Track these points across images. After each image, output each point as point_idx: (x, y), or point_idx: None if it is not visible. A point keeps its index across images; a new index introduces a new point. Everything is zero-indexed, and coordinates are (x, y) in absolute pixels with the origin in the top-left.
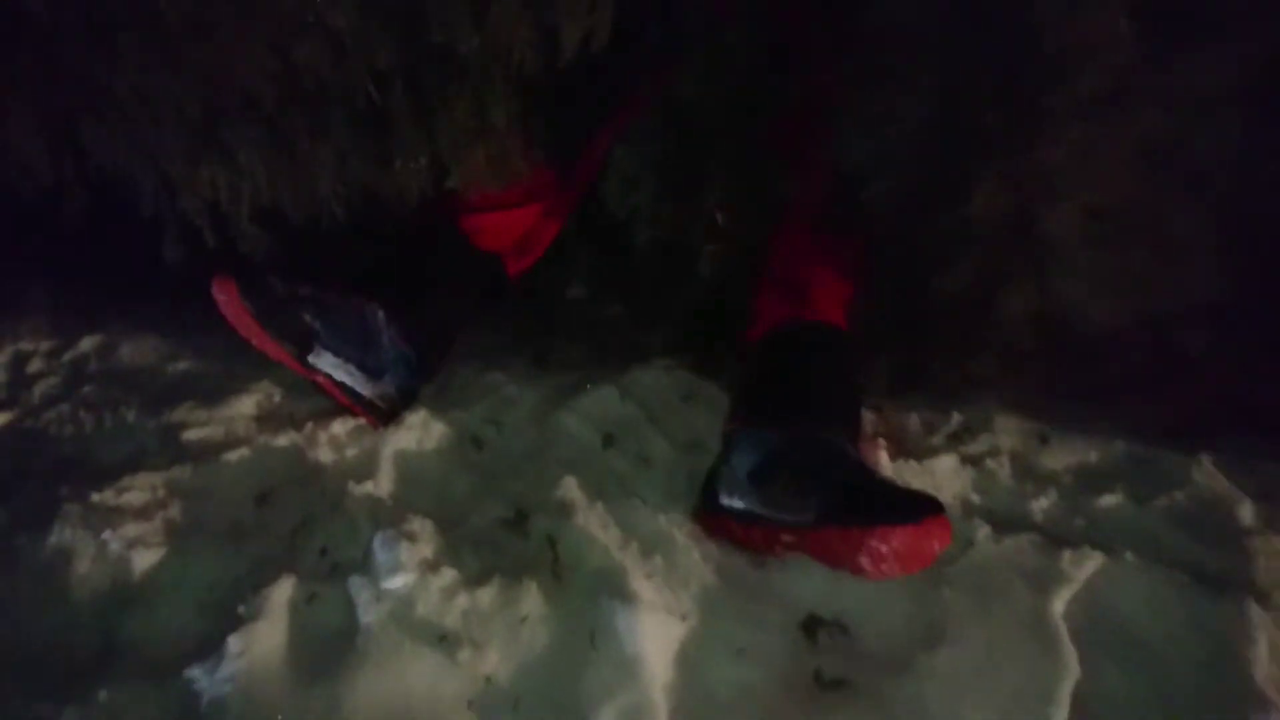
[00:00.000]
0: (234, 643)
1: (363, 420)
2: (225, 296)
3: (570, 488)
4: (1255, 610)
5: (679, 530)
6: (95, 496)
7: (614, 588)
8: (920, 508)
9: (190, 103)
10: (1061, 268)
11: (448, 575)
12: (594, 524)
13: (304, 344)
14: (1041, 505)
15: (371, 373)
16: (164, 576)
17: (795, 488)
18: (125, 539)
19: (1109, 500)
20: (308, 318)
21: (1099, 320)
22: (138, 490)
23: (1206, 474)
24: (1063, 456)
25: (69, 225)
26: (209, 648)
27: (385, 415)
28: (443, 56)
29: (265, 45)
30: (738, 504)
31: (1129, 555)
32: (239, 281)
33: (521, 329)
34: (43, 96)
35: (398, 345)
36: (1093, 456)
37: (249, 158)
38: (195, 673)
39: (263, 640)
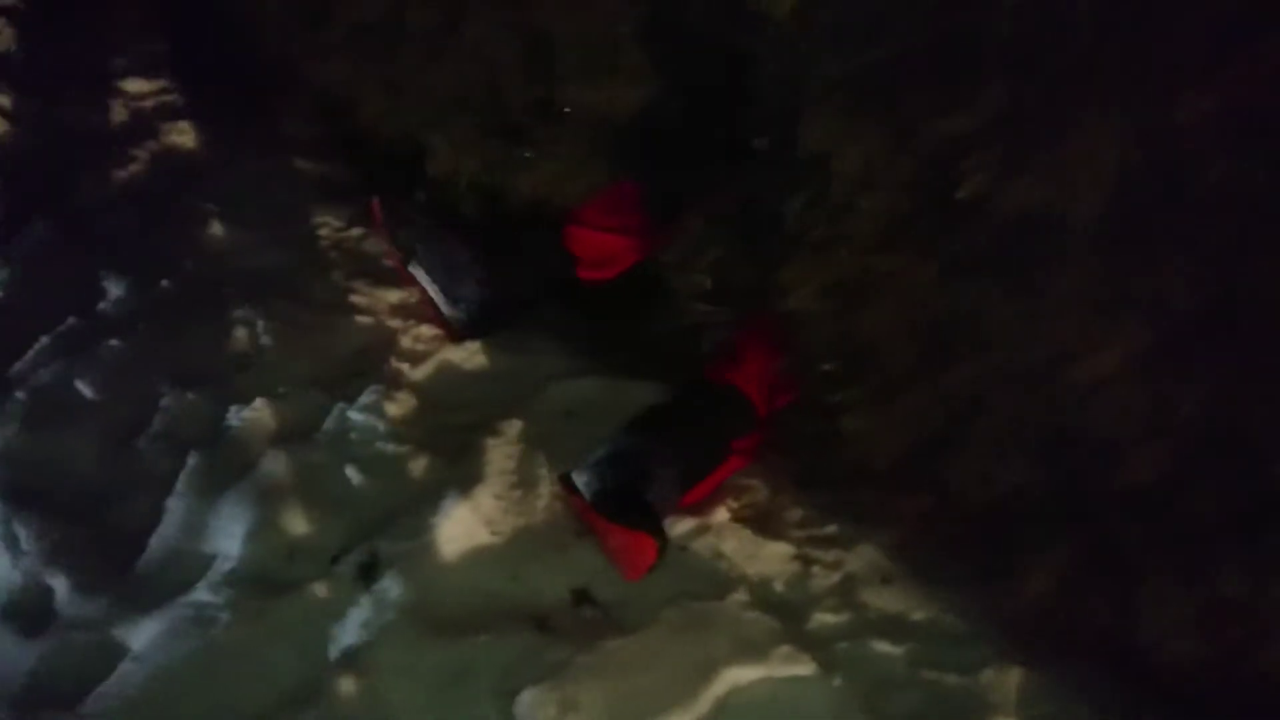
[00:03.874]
0: (259, 403)
1: (439, 332)
2: (374, 208)
3: (513, 425)
4: None
5: (546, 483)
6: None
7: (465, 487)
8: (643, 528)
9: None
10: None
11: (390, 424)
12: (498, 452)
13: (407, 256)
14: (823, 619)
15: (451, 300)
16: (271, 356)
17: (601, 477)
18: (269, 328)
19: (884, 647)
20: (414, 240)
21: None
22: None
23: (996, 674)
24: (889, 600)
25: None
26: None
27: (455, 334)
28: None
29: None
30: (575, 478)
31: (838, 680)
32: (384, 201)
33: (581, 333)
34: None
35: (472, 286)
36: (917, 615)
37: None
38: (230, 414)
39: (260, 412)
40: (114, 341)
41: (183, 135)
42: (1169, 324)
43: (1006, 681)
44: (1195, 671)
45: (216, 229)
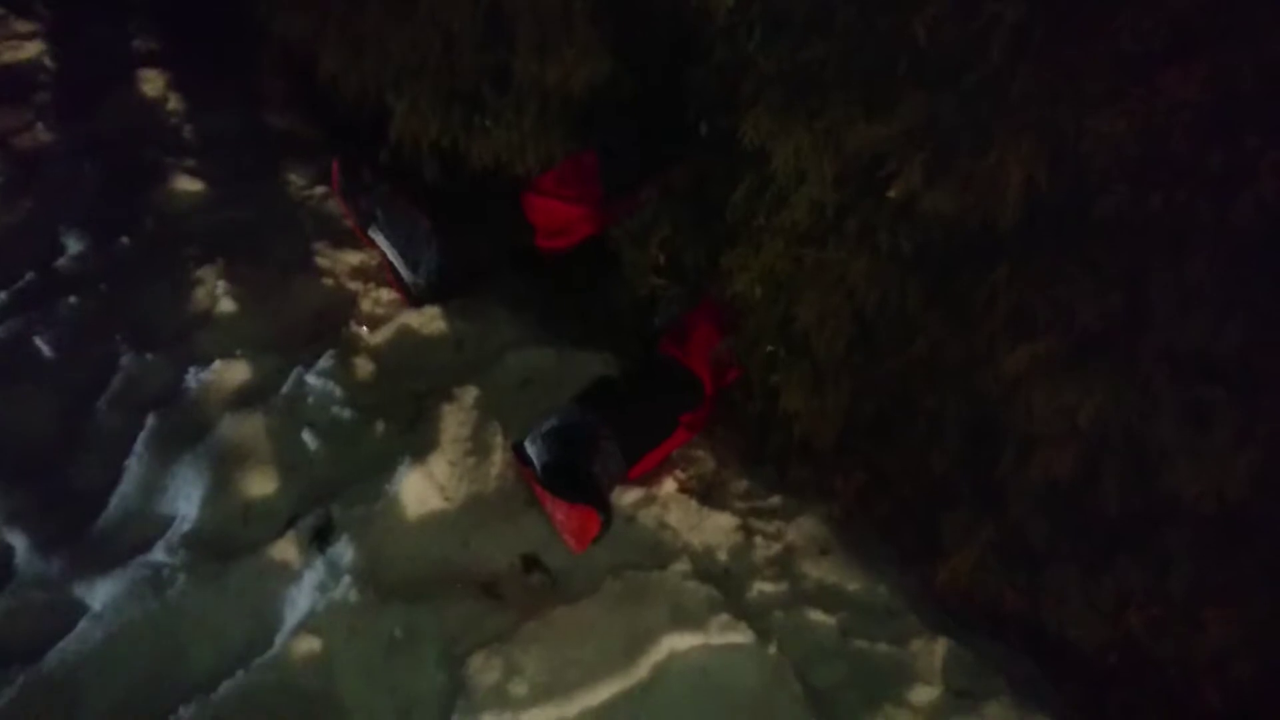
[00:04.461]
0: (217, 365)
1: (399, 296)
2: (334, 171)
3: (469, 393)
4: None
5: (499, 451)
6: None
7: (420, 453)
8: (587, 502)
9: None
10: None
11: (347, 389)
12: (453, 419)
13: (366, 220)
14: (762, 588)
15: (410, 265)
16: (231, 317)
17: (549, 449)
18: (229, 289)
19: (819, 617)
20: (373, 205)
21: None
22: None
23: (924, 645)
24: (826, 571)
25: None
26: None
27: (413, 298)
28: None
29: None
30: (525, 448)
31: (773, 648)
32: (343, 165)
33: (537, 302)
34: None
35: (432, 253)
36: (852, 586)
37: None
38: (188, 375)
39: (219, 374)
40: (73, 299)
41: (149, 84)
42: (1072, 335)
43: (933, 653)
44: (1098, 654)
45: (179, 184)
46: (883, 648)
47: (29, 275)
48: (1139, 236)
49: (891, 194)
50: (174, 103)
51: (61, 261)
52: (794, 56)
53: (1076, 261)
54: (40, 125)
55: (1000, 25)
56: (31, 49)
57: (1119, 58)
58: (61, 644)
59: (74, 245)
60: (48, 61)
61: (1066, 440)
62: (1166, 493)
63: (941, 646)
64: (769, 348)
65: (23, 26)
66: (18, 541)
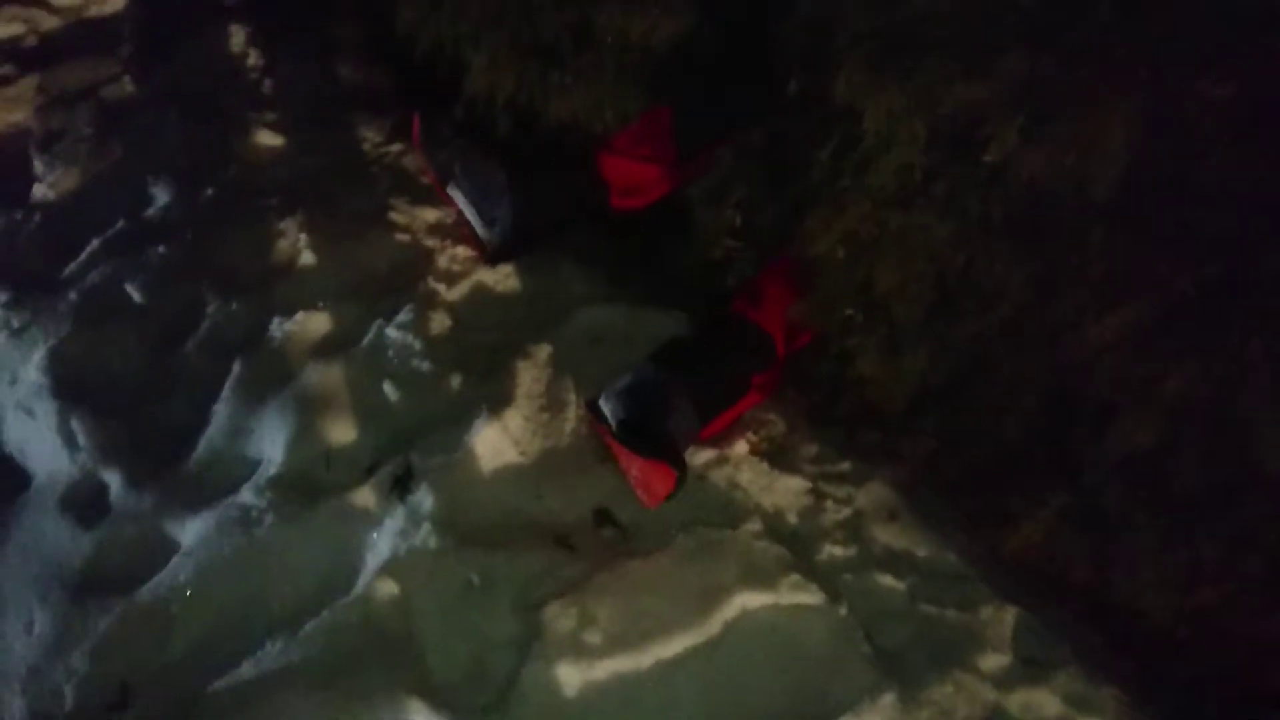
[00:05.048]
0: (300, 316)
1: (475, 253)
2: (414, 125)
3: (542, 349)
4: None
5: (572, 408)
6: (318, 215)
7: (497, 406)
8: (662, 458)
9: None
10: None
11: (425, 342)
12: (527, 374)
13: (445, 175)
14: (832, 551)
15: (486, 221)
16: (312, 269)
17: (624, 406)
18: (310, 241)
19: (888, 581)
20: (452, 159)
21: None
22: (348, 218)
23: (993, 612)
24: (895, 536)
25: None
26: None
27: (488, 255)
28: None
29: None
30: (600, 405)
31: (843, 609)
32: (424, 119)
33: (610, 260)
34: None
35: (506, 208)
36: (921, 551)
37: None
38: (273, 324)
39: (302, 325)
40: (161, 247)
41: (231, 37)
42: (1168, 302)
43: (1002, 620)
44: (1166, 628)
45: (260, 136)
46: (951, 613)
47: (120, 223)
48: (1241, 203)
49: (988, 158)
50: (254, 57)
51: (151, 211)
52: (891, 13)
53: (1173, 228)
54: (127, 77)
55: None
56: (118, 2)
57: (1229, 18)
58: (156, 578)
59: (161, 195)
60: (133, 15)
61: (1149, 409)
62: (1249, 466)
63: (1010, 614)
64: (847, 311)
65: None
66: (112, 478)
